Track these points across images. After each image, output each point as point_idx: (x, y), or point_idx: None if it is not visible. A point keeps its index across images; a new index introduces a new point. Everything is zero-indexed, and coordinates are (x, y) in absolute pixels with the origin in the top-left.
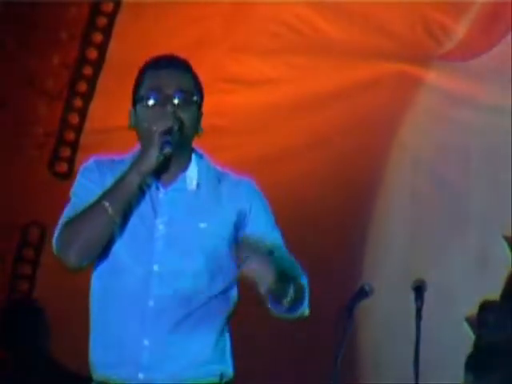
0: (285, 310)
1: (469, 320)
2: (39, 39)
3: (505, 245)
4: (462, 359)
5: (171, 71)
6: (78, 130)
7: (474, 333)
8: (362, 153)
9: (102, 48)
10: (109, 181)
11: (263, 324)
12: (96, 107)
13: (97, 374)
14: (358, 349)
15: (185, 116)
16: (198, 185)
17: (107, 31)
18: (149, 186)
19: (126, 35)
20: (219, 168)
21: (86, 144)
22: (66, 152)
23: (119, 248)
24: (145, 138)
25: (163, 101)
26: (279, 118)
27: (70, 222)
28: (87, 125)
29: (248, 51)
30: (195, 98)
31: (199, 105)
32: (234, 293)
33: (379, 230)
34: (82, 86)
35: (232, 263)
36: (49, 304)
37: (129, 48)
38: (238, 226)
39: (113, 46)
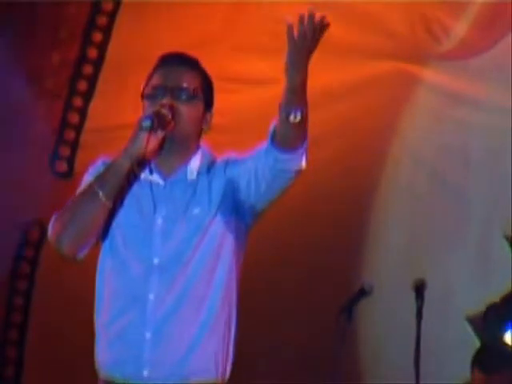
0: (286, 144)
1: (470, 319)
2: (39, 38)
3: (505, 244)
4: (463, 358)
5: (175, 67)
6: (78, 128)
7: (474, 332)
8: (361, 151)
9: (103, 47)
10: None
11: (263, 323)
12: (96, 106)
13: (102, 372)
14: (358, 348)
15: (184, 109)
16: (198, 174)
17: (107, 30)
18: (151, 181)
19: (126, 34)
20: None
21: (86, 143)
22: (65, 151)
23: (120, 244)
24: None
25: (161, 94)
26: None
27: (63, 211)
28: (87, 124)
29: (249, 50)
30: (198, 95)
31: (205, 103)
32: (234, 281)
33: (379, 229)
34: (82, 85)
35: (229, 250)
36: (48, 303)
37: (129, 47)
38: (236, 191)
39: (113, 44)
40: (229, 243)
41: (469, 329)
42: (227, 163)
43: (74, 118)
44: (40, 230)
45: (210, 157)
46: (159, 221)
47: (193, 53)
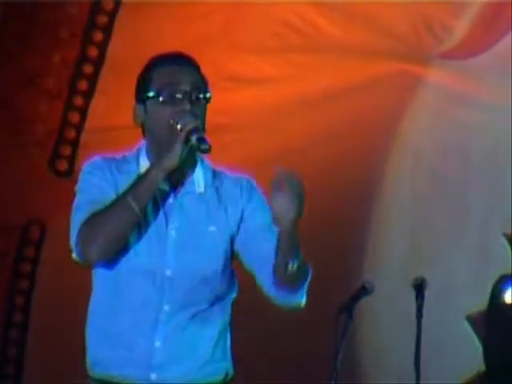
0: (286, 285)
1: (469, 318)
2: (40, 37)
3: (505, 243)
4: (463, 358)
5: (184, 68)
6: (79, 128)
7: (474, 332)
8: (363, 152)
9: (103, 46)
10: (119, 179)
11: (263, 324)
12: (96, 105)
13: (97, 372)
14: (357, 348)
15: (198, 113)
16: (205, 187)
17: (108, 29)
18: (160, 191)
19: (126, 33)
20: (216, 167)
21: (87, 142)
22: (66, 150)
23: (132, 253)
24: (165, 135)
25: (181, 97)
26: (280, 117)
27: (93, 218)
28: (88, 123)
29: (249, 50)
30: (207, 96)
31: (207, 103)
32: (235, 292)
33: (379, 229)
34: (83, 85)
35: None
36: (48, 303)
37: (129, 46)
38: (239, 222)
39: (113, 44)
40: (231, 259)
41: (469, 329)
42: (247, 192)
43: (75, 117)
44: (40, 230)
45: (208, 165)
46: (172, 232)
47: (193, 52)
